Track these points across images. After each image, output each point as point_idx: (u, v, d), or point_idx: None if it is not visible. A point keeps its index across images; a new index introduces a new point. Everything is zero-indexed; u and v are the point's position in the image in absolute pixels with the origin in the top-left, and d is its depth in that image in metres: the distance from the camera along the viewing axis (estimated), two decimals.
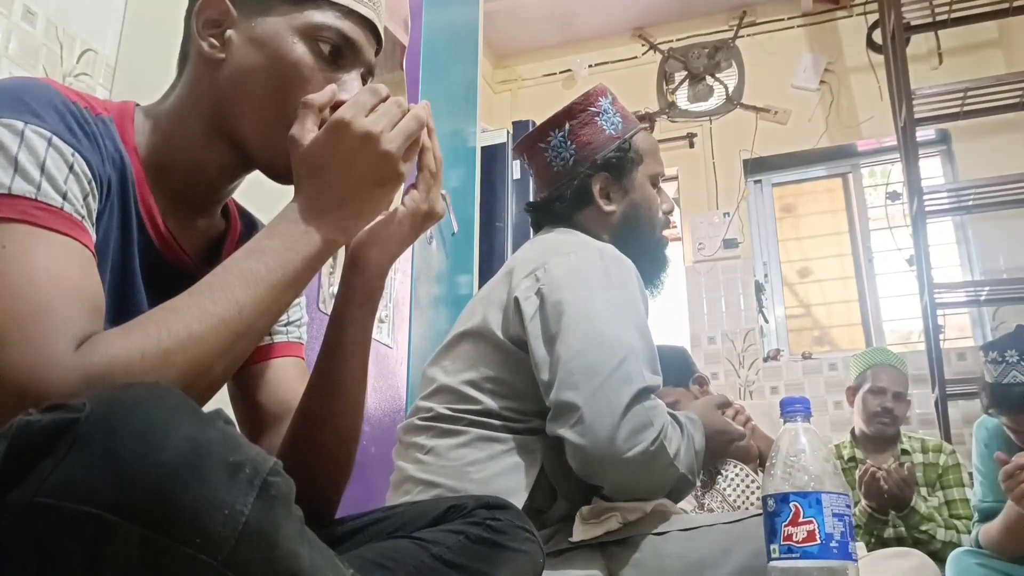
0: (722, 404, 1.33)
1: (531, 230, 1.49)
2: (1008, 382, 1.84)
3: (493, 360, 1.22)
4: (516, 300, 1.21)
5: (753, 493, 1.94)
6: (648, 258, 1.38)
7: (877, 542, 2.25)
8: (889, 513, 2.24)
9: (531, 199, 1.49)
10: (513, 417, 1.20)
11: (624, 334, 1.14)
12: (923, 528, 2.22)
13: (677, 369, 2.11)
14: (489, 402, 1.20)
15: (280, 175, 0.81)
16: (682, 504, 1.90)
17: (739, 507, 1.95)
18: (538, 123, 1.45)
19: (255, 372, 0.92)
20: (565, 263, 1.22)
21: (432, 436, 1.21)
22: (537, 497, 1.15)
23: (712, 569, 1.04)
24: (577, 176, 1.37)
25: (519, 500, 1.11)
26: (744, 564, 1.03)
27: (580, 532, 1.12)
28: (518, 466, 1.15)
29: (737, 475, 1.98)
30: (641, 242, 1.38)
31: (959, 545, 2.18)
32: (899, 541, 2.25)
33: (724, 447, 1.29)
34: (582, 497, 1.17)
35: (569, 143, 1.39)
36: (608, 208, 1.37)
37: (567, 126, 1.39)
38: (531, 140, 1.44)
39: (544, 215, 1.43)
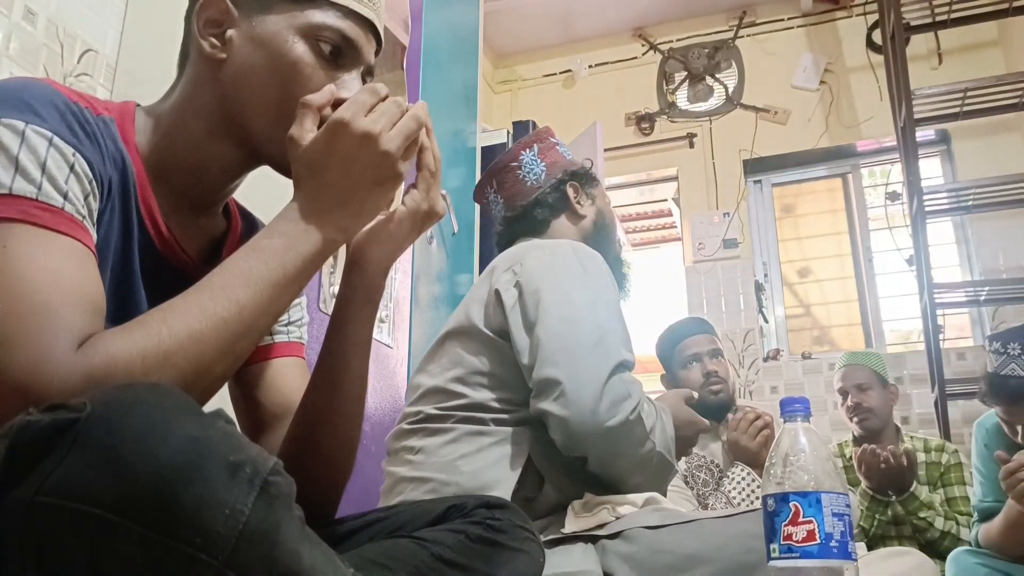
0: (688, 398, 1.40)
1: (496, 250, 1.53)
2: (1006, 373, 1.84)
3: (479, 353, 1.27)
4: (496, 292, 1.27)
5: (758, 497, 1.95)
6: (614, 262, 1.47)
7: (877, 525, 2.26)
8: (890, 496, 2.25)
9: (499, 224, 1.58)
10: (501, 408, 1.23)
11: (600, 316, 1.21)
12: (922, 515, 2.23)
13: (704, 324, 2.30)
14: (476, 395, 1.24)
15: (289, 171, 0.81)
16: (683, 504, 1.91)
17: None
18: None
19: (256, 372, 0.92)
20: (541, 256, 1.29)
21: (421, 437, 1.24)
22: (525, 485, 1.18)
23: (704, 564, 1.04)
24: (552, 184, 1.51)
25: (507, 488, 1.14)
26: (736, 559, 1.03)
27: (573, 523, 1.13)
28: (506, 456, 1.19)
29: (743, 479, 1.98)
30: (608, 246, 1.50)
31: (957, 536, 2.19)
32: (897, 525, 2.27)
33: (694, 436, 1.37)
34: (570, 484, 1.20)
35: (539, 160, 1.54)
36: (582, 212, 1.51)
37: (535, 147, 1.55)
38: (502, 164, 1.57)
39: (521, 225, 1.51)
